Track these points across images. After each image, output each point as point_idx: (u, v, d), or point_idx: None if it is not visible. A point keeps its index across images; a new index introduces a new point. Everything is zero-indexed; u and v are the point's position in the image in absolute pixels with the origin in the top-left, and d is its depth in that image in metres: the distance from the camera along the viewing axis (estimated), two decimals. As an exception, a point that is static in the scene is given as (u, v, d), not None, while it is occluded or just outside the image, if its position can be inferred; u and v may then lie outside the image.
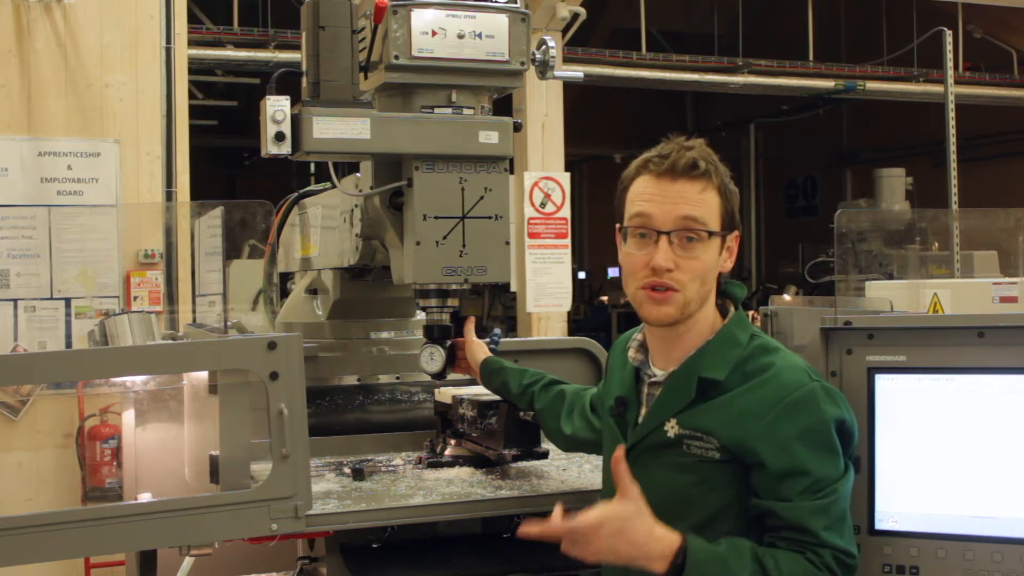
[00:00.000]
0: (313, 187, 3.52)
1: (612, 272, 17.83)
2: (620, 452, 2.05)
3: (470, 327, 2.94)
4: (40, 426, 6.05)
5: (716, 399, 2.13)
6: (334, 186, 2.91)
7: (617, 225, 2.23)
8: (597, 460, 2.87)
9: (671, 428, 2.16)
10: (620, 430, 2.28)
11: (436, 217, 2.63)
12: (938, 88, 9.28)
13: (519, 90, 3.14)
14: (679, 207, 2.13)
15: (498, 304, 13.94)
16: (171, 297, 5.99)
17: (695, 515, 2.10)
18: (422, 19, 2.59)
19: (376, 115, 2.61)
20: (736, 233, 2.22)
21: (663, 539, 2.02)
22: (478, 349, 2.87)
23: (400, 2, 2.58)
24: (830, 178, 17.51)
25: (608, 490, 2.32)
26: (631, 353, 2.31)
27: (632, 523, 2.02)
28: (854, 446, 2.15)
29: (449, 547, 2.61)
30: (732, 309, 2.25)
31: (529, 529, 2.07)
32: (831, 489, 2.05)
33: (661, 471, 2.16)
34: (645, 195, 2.16)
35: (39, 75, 6.13)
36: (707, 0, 14.39)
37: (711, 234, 2.14)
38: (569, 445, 2.71)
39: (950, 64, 8.52)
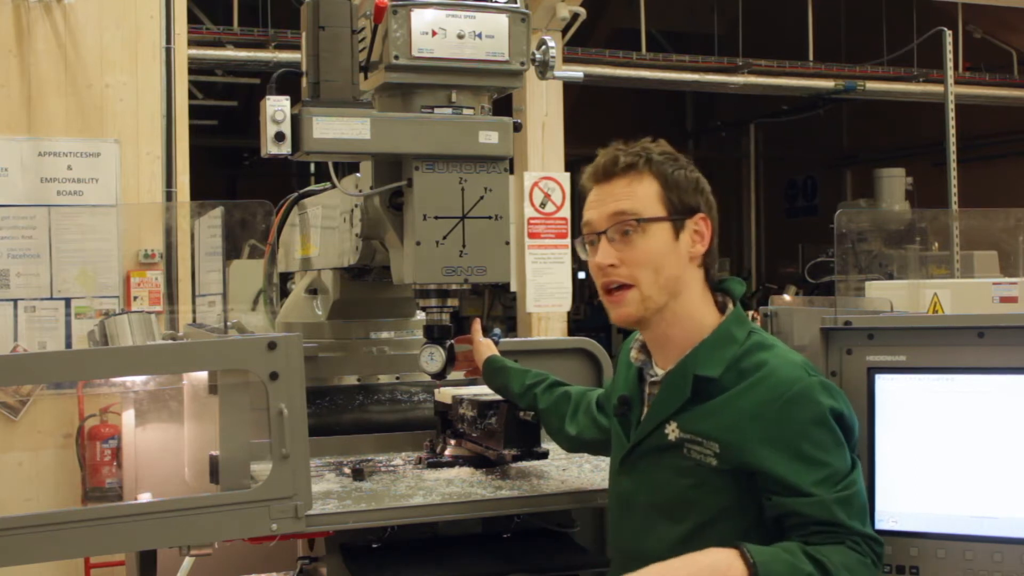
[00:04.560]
0: (313, 187, 3.52)
1: (612, 272, 17.79)
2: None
3: (477, 327, 2.95)
4: (40, 426, 6.05)
5: (713, 400, 2.12)
6: (334, 186, 2.91)
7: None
8: (597, 460, 2.88)
9: (672, 431, 2.16)
10: (623, 430, 2.29)
11: (436, 217, 2.63)
12: (938, 88, 9.28)
13: (519, 90, 3.13)
14: (608, 205, 2.20)
15: (498, 304, 13.93)
16: (171, 297, 5.99)
17: (695, 517, 2.10)
18: (422, 19, 2.59)
19: (376, 115, 2.61)
20: (699, 215, 2.21)
21: (723, 559, 1.98)
22: (484, 348, 2.87)
23: (400, 2, 2.58)
24: (830, 178, 17.49)
25: (613, 489, 2.32)
26: (633, 353, 2.31)
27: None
28: (855, 441, 2.15)
29: (449, 547, 2.61)
30: (731, 306, 2.24)
31: None
32: (849, 480, 2.05)
33: (662, 473, 2.16)
34: (588, 204, 2.26)
35: (39, 75, 6.13)
36: (707, 0, 14.38)
37: (644, 220, 2.16)
38: (573, 446, 2.71)
39: (950, 64, 8.53)
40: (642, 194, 2.18)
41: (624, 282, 2.17)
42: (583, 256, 2.28)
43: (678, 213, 2.18)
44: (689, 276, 2.20)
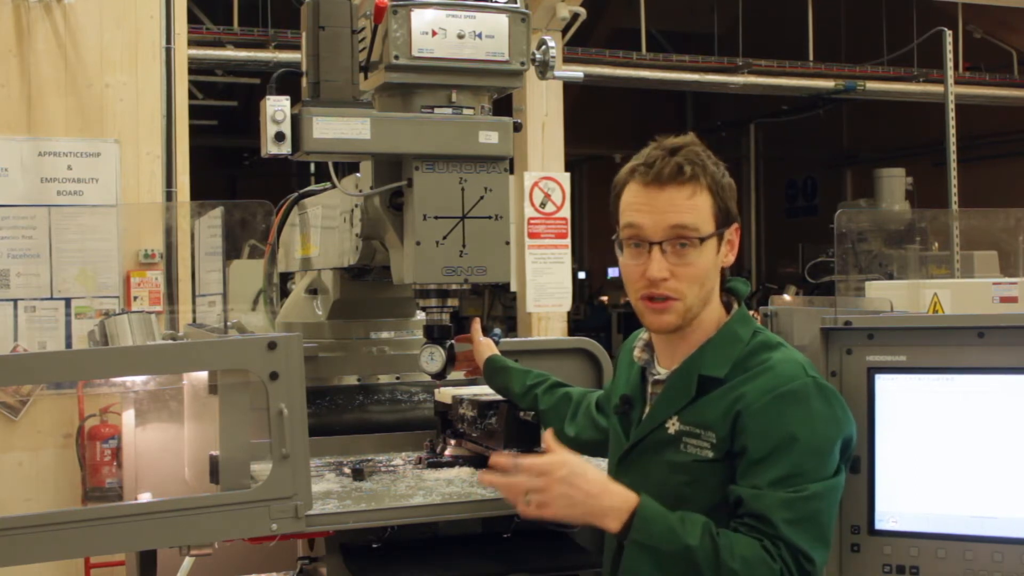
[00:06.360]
0: (313, 187, 3.52)
1: (612, 272, 17.82)
2: (549, 434, 2.15)
3: (477, 326, 2.95)
4: (40, 426, 6.05)
5: (714, 392, 2.13)
6: (334, 186, 2.91)
7: (613, 237, 2.23)
8: (597, 460, 2.87)
9: (672, 425, 2.16)
10: (623, 428, 2.29)
11: (436, 217, 2.63)
12: (938, 88, 9.28)
13: (519, 90, 3.13)
14: (668, 216, 2.11)
15: (498, 304, 13.93)
16: (171, 297, 5.99)
17: None
18: (422, 19, 2.59)
19: (376, 115, 2.61)
20: (735, 226, 2.20)
21: (619, 495, 2.04)
22: (485, 348, 2.87)
23: (400, 2, 2.58)
24: (830, 178, 17.50)
25: None
26: (636, 353, 2.31)
27: (584, 469, 2.05)
28: (851, 450, 2.13)
29: (449, 547, 2.61)
30: (736, 306, 2.24)
31: (492, 478, 2.11)
32: (803, 487, 2.00)
33: (658, 470, 2.17)
34: (635, 205, 2.15)
35: (39, 75, 6.13)
36: (707, 0, 14.38)
37: (705, 238, 2.13)
38: (572, 447, 2.70)
39: (950, 64, 8.52)
40: (701, 208, 2.13)
41: (670, 296, 2.13)
42: (619, 255, 2.21)
43: (723, 225, 2.17)
44: (715, 283, 2.20)
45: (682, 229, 2.11)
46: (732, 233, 2.20)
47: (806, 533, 1.99)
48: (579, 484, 2.03)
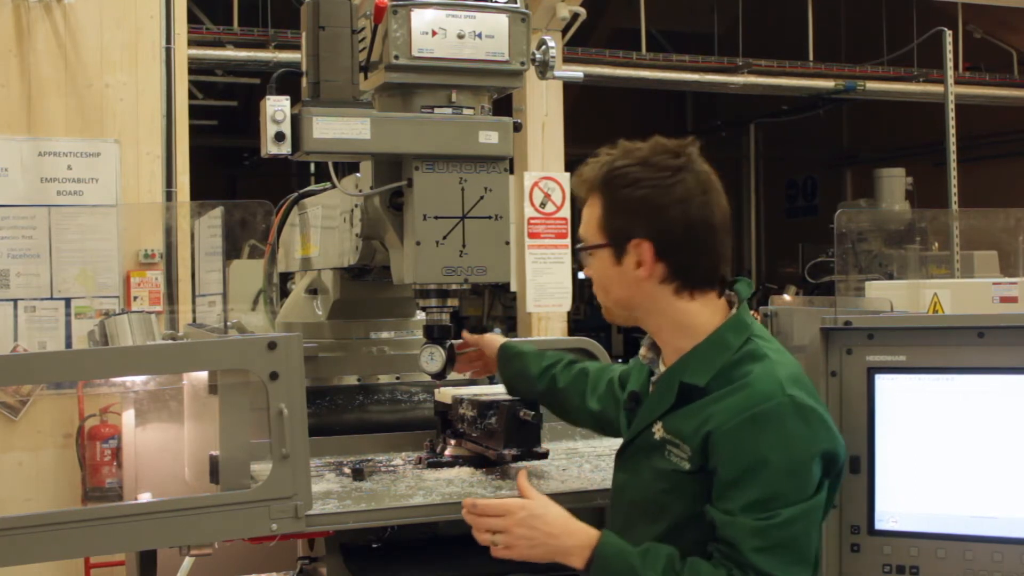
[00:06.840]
0: (313, 187, 3.52)
1: (612, 272, 17.76)
2: (522, 476, 2.19)
3: (467, 335, 2.90)
4: (40, 426, 6.05)
5: (695, 403, 2.09)
6: (334, 186, 2.91)
7: None
8: (597, 460, 2.88)
9: (657, 431, 2.14)
10: (628, 424, 2.29)
11: (436, 217, 2.63)
12: (938, 88, 9.28)
13: (519, 90, 3.13)
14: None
15: (498, 304, 13.92)
16: (171, 297, 5.99)
17: (664, 521, 2.09)
18: (422, 19, 2.59)
19: (376, 115, 2.61)
20: (636, 242, 2.10)
21: (580, 533, 2.07)
22: (492, 339, 2.85)
23: (400, 2, 2.58)
24: (830, 178, 17.49)
25: (613, 482, 2.31)
26: (641, 351, 2.30)
27: (546, 511, 2.09)
28: (839, 462, 2.05)
29: (449, 547, 2.61)
30: (734, 309, 2.18)
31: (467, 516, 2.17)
32: (777, 512, 1.94)
33: (645, 473, 2.16)
34: None
35: (39, 75, 6.13)
36: (707, 0, 14.38)
37: (583, 249, 2.22)
38: (597, 424, 2.67)
39: (950, 64, 8.53)
40: (590, 218, 2.21)
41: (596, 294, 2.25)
42: None
43: (614, 239, 2.14)
44: (652, 293, 2.14)
45: (578, 237, 2.25)
46: (635, 249, 2.11)
47: (778, 559, 1.94)
48: (538, 526, 2.07)
